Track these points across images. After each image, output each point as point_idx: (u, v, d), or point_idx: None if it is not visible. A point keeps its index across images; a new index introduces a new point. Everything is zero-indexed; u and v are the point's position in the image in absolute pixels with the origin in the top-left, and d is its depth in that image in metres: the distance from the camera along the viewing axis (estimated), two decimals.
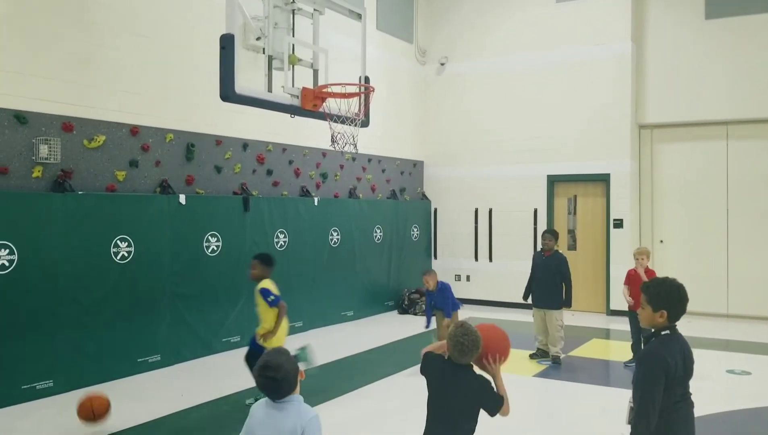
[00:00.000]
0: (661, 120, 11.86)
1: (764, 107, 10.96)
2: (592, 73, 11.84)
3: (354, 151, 7.78)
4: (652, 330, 3.35)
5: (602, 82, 11.75)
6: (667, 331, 3.27)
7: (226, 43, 6.30)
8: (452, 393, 3.54)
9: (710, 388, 6.85)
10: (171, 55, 8.03)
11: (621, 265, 11.22)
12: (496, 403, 3.57)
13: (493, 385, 3.57)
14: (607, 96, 11.71)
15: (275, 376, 2.94)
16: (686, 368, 3.25)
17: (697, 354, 6.96)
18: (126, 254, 7.24)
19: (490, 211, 12.83)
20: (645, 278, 7.53)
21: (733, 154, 11.39)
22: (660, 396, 3.14)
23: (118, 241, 7.17)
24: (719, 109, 11.30)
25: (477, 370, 3.61)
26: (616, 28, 11.67)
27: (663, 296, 3.27)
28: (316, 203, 10.10)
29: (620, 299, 10.82)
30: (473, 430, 3.60)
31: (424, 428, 3.62)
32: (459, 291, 12.79)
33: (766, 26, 10.93)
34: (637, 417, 3.18)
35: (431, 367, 3.68)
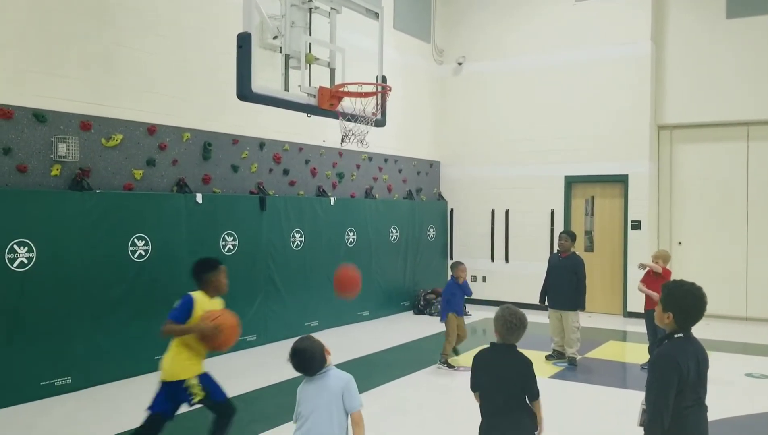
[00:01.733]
0: (680, 120, 11.73)
1: None
2: (611, 73, 11.73)
3: (363, 147, 7.78)
4: (666, 332, 3.30)
5: (621, 83, 11.64)
6: (680, 335, 3.22)
7: (243, 42, 6.33)
8: (504, 374, 3.71)
9: (728, 392, 6.76)
10: (189, 54, 8.07)
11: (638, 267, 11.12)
12: (536, 389, 3.71)
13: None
14: (626, 96, 11.60)
15: (306, 358, 3.53)
16: (699, 373, 3.19)
17: (716, 357, 6.88)
18: (143, 253, 7.28)
19: (507, 211, 12.77)
20: (657, 275, 7.53)
21: (754, 155, 11.24)
22: (672, 398, 3.09)
23: (136, 240, 7.21)
24: (740, 109, 11.15)
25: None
26: (635, 27, 11.55)
27: (674, 299, 3.23)
28: (332, 203, 10.11)
29: (637, 301, 10.72)
30: (527, 422, 3.68)
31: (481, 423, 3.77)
32: (475, 292, 12.68)
33: None
34: (651, 420, 3.14)
35: (480, 362, 3.82)
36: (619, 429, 5.78)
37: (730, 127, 11.41)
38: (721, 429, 5.58)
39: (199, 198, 7.92)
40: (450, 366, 7.85)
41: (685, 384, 3.11)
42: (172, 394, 4.51)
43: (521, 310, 3.82)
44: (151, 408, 4.49)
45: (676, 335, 3.22)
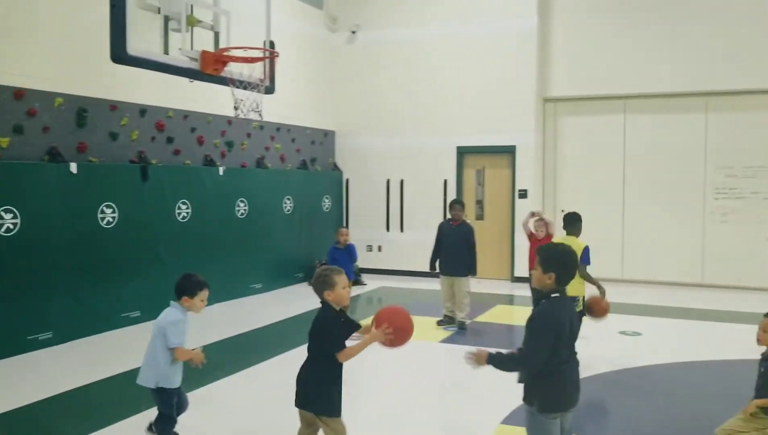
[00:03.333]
0: (564, 93, 12.18)
1: (659, 83, 11.46)
2: (500, 47, 11.98)
3: (258, 118, 7.56)
4: (543, 292, 3.42)
5: (509, 56, 11.92)
6: (557, 294, 3.35)
7: (117, 2, 5.94)
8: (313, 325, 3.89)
9: (603, 349, 7.16)
10: (61, 14, 7.49)
11: (525, 234, 11.53)
12: (329, 347, 3.76)
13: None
14: (514, 69, 11.90)
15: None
16: (572, 330, 3.37)
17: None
18: (11, 226, 6.77)
19: (402, 181, 12.87)
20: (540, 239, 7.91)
21: (630, 126, 11.87)
22: (548, 343, 3.24)
23: (2, 213, 6.68)
24: (619, 83, 11.71)
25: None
26: (522, 2, 11.83)
27: (554, 260, 3.36)
28: (221, 173, 9.79)
29: (523, 266, 11.12)
30: (324, 368, 3.79)
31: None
32: (371, 261, 12.85)
33: (666, 4, 11.36)
34: (522, 357, 3.36)
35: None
36: (505, 389, 5.98)
37: (609, 101, 11.97)
38: (595, 384, 5.91)
39: (73, 168, 7.43)
40: None
41: (560, 340, 3.27)
42: None
43: (333, 268, 3.92)
44: None
45: (553, 295, 3.35)
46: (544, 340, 3.25)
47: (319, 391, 3.78)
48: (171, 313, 4.26)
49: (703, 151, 11.46)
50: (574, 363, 3.43)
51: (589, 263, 6.45)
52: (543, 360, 3.26)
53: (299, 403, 3.85)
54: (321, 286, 3.84)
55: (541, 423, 3.36)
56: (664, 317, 9.01)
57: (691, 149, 11.50)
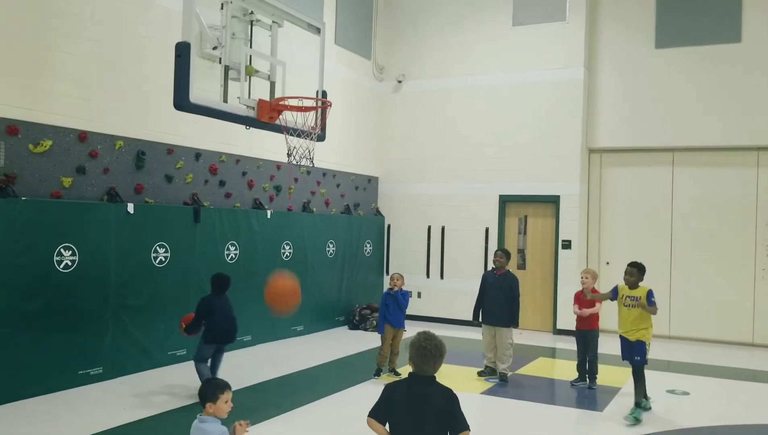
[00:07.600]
0: (610, 145, 12.16)
1: (708, 135, 11.36)
2: (546, 97, 12.08)
3: (310, 165, 7.76)
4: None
5: (555, 106, 12.00)
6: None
7: (182, 52, 6.24)
8: (423, 411, 3.38)
9: (651, 408, 7.00)
10: (125, 61, 7.88)
11: (568, 286, 11.45)
12: (463, 423, 3.39)
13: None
14: (560, 119, 11.96)
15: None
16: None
17: None
18: (70, 263, 7.02)
19: (443, 228, 12.93)
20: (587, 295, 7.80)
21: (678, 179, 11.76)
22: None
23: (62, 250, 6.95)
24: (666, 136, 11.66)
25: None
26: (569, 54, 11.95)
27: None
28: (269, 216, 10.01)
29: (566, 319, 11.02)
30: None
31: None
32: (410, 307, 12.78)
33: (712, 57, 11.35)
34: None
35: (394, 394, 3.51)
36: None
37: (656, 153, 11.91)
38: None
39: (130, 208, 7.70)
40: (396, 373, 8.07)
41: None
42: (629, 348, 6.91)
43: (440, 337, 3.51)
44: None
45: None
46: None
47: None
48: (207, 431, 3.67)
49: (754, 206, 11.27)
50: None
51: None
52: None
53: None
54: (433, 359, 3.43)
55: None
56: (712, 377, 8.77)
57: (741, 204, 11.32)
